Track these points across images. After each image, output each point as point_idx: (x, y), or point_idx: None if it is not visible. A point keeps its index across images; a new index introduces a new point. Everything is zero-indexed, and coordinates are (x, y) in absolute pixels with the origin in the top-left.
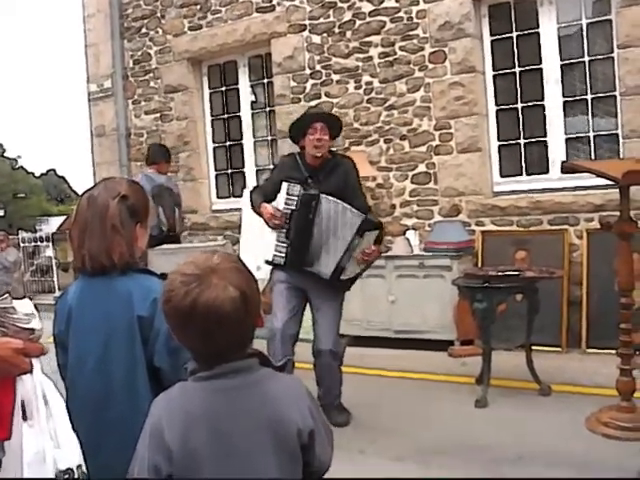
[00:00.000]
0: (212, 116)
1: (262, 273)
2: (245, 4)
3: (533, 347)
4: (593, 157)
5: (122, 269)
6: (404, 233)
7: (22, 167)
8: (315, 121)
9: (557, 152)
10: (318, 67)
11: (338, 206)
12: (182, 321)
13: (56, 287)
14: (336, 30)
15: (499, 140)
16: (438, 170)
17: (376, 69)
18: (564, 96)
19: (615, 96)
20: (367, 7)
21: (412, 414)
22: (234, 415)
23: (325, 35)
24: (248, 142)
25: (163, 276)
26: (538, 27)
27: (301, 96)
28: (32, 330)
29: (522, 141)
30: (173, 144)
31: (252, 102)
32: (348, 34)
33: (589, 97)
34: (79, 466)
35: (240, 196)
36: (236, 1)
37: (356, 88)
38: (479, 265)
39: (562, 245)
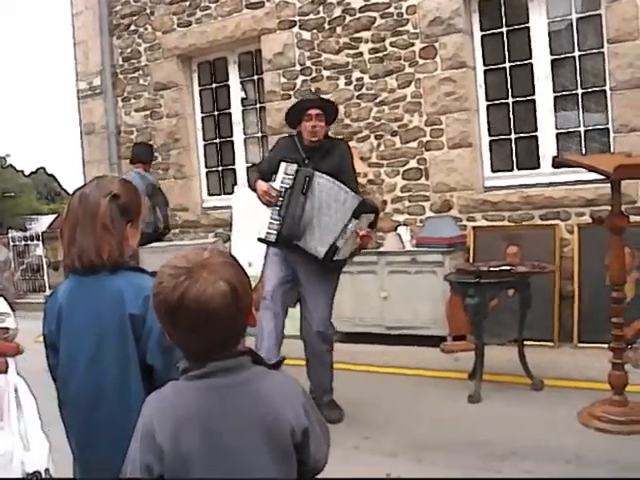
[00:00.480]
0: (202, 113)
1: (254, 270)
2: (235, 1)
3: (525, 342)
4: (584, 152)
5: (112, 268)
6: (395, 229)
7: (11, 165)
8: (310, 108)
9: (548, 147)
10: (308, 63)
11: (333, 185)
12: (171, 315)
13: (46, 286)
14: (326, 26)
15: (490, 135)
16: (429, 166)
17: (366, 65)
18: (555, 91)
19: (605, 91)
20: (357, 3)
21: (405, 410)
22: (226, 414)
23: (315, 31)
24: (239, 139)
25: (155, 274)
26: (528, 22)
27: (291, 92)
28: (6, 329)
29: (513, 136)
30: (163, 141)
31: (242, 99)
32: (338, 30)
33: (579, 92)
34: (47, 470)
35: (231, 193)
36: None
37: (346, 84)
38: (471, 260)
39: (553, 240)
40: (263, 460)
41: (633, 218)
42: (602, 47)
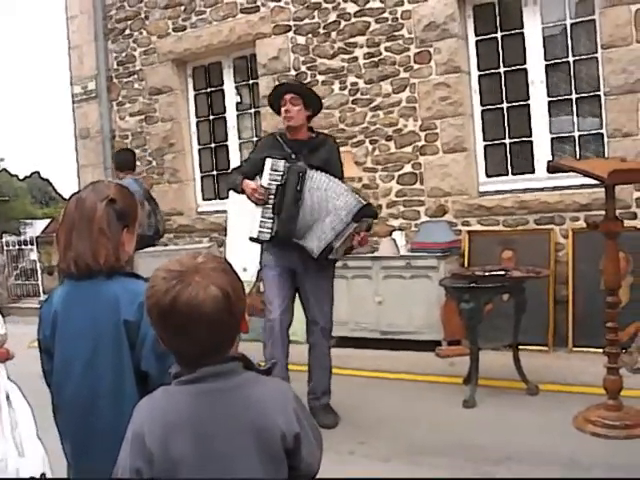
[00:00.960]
0: (197, 117)
1: (248, 275)
2: (230, 5)
3: (520, 346)
4: (578, 156)
5: (108, 273)
6: (390, 234)
7: (5, 170)
8: (284, 93)
9: (542, 152)
10: (303, 68)
11: (332, 184)
12: (162, 318)
13: (41, 291)
14: (321, 31)
15: (485, 140)
16: (424, 170)
17: (361, 70)
18: (549, 96)
19: (599, 96)
20: (352, 8)
21: (400, 415)
22: (216, 419)
23: (310, 36)
24: (233, 143)
25: None
26: (523, 27)
27: None
28: None
29: (507, 141)
30: (158, 146)
31: (237, 103)
32: (333, 35)
33: (574, 97)
34: (43, 474)
35: (226, 198)
36: (221, 2)
37: (341, 89)
38: (466, 265)
39: (548, 244)
40: (253, 465)
41: (627, 223)
42: (596, 52)
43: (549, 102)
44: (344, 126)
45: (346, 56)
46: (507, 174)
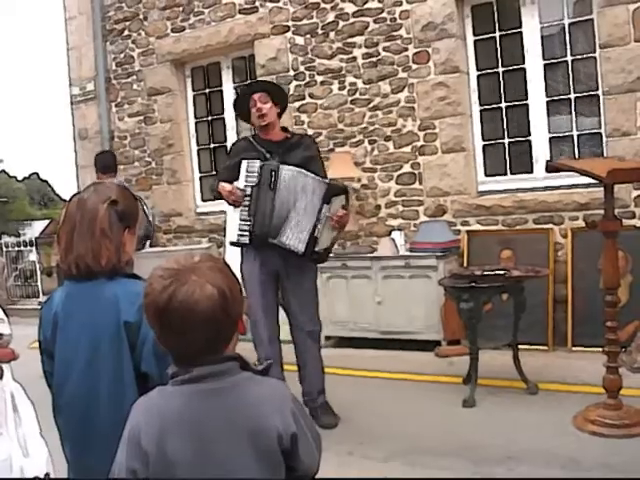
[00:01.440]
0: (196, 118)
1: None
2: (228, 6)
3: (520, 346)
4: (577, 156)
5: (109, 274)
6: (390, 234)
7: (4, 171)
8: (251, 93)
9: (541, 151)
10: (302, 68)
11: (299, 174)
12: (159, 316)
13: (40, 292)
14: (319, 31)
15: (483, 140)
16: (423, 170)
17: (360, 70)
18: (547, 95)
19: (598, 95)
20: (350, 8)
21: (400, 415)
22: (211, 419)
23: (308, 36)
24: None
25: None
26: (521, 27)
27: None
28: (1, 335)
29: (506, 140)
30: (157, 147)
31: None
32: (331, 35)
33: (572, 96)
34: (47, 474)
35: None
36: (219, 3)
37: (340, 89)
38: (465, 265)
39: (547, 244)
40: (249, 465)
41: (626, 222)
42: (594, 52)
43: (547, 102)
44: (343, 126)
45: (345, 56)
46: (506, 174)
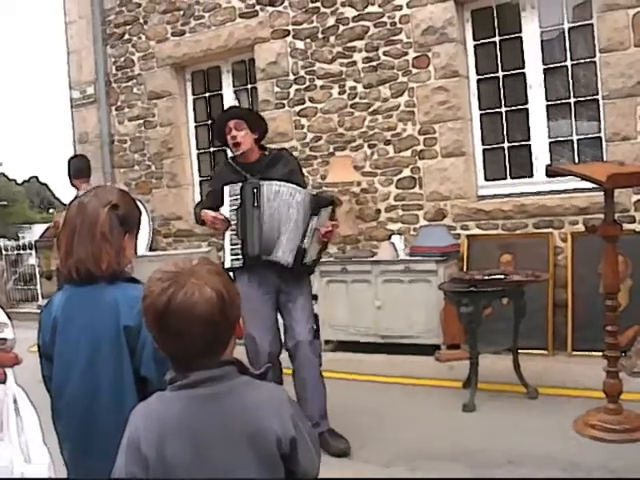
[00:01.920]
0: (196, 122)
1: None
2: (228, 10)
3: (520, 350)
4: (577, 160)
5: (109, 278)
6: (389, 238)
7: (4, 174)
8: (226, 121)
9: (541, 156)
10: (302, 72)
11: (282, 187)
12: (157, 319)
13: (39, 295)
14: (320, 35)
15: (483, 144)
16: (423, 175)
17: (360, 74)
18: (547, 100)
19: (597, 100)
20: (350, 12)
21: (400, 419)
22: (210, 424)
23: (309, 40)
24: None
25: None
26: (521, 32)
27: (285, 101)
28: (4, 340)
29: (506, 145)
30: (157, 150)
31: None
32: (332, 39)
33: (572, 101)
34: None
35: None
36: (219, 7)
37: (340, 93)
38: (465, 269)
39: (547, 248)
40: (247, 469)
41: (626, 226)
42: (594, 56)
43: (547, 106)
44: (343, 130)
45: (345, 60)
46: (506, 178)
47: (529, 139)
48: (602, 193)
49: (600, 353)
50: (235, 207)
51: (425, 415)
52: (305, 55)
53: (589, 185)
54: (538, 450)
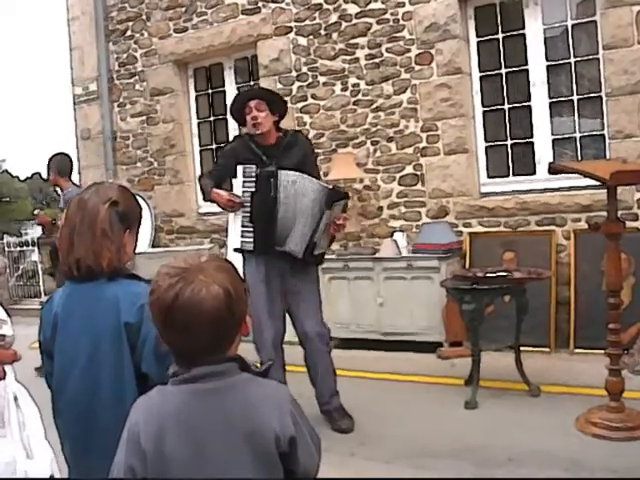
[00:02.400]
0: (198, 119)
1: None
2: (231, 6)
3: (522, 348)
4: (579, 158)
5: (110, 275)
6: (392, 235)
7: (6, 171)
8: (248, 100)
9: (544, 153)
10: (304, 69)
11: (300, 179)
12: (164, 314)
13: (42, 292)
14: (322, 32)
15: (486, 141)
16: (425, 172)
17: (363, 71)
18: (550, 97)
19: (601, 97)
20: (353, 9)
21: (401, 416)
22: (209, 419)
23: (311, 37)
24: None
25: (151, 282)
26: (524, 28)
27: (288, 98)
28: (3, 336)
29: (509, 142)
30: (159, 147)
31: None
32: (334, 36)
33: (575, 98)
34: (51, 476)
35: None
36: (222, 3)
37: (343, 90)
38: (467, 266)
39: (549, 246)
40: (244, 466)
41: (629, 224)
42: (597, 53)
43: (550, 103)
44: (345, 127)
45: (347, 57)
46: (508, 175)
47: (532, 136)
48: (605, 191)
49: (602, 351)
50: (250, 190)
51: (427, 412)
52: (308, 52)
53: (592, 183)
54: (540, 448)
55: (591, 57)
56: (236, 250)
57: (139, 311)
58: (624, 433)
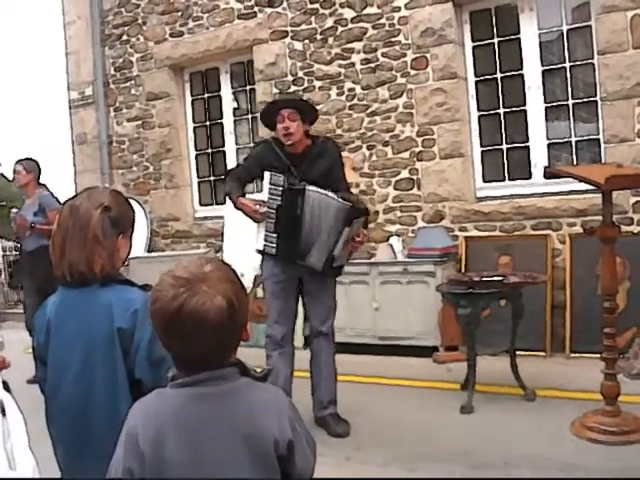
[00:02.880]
0: (194, 123)
1: (245, 280)
2: (227, 11)
3: (517, 352)
4: (575, 162)
5: (103, 280)
6: (387, 239)
7: (2, 174)
8: (281, 108)
9: (539, 157)
10: (300, 74)
11: (324, 197)
12: (166, 323)
13: None
14: (318, 37)
15: (482, 146)
16: (421, 176)
17: (358, 75)
18: (545, 101)
19: (596, 101)
20: (349, 14)
21: (397, 420)
22: (208, 423)
23: (307, 42)
24: (230, 149)
25: (146, 287)
26: (519, 33)
27: None
28: None
29: (504, 146)
30: (155, 151)
31: (234, 109)
32: (330, 40)
33: (570, 102)
34: None
35: (223, 203)
36: (218, 8)
37: (338, 94)
38: (463, 271)
39: (545, 250)
40: (242, 470)
41: (624, 228)
42: (592, 58)
43: (546, 108)
44: (341, 132)
45: (343, 62)
46: (504, 180)
47: (527, 141)
48: (600, 195)
49: (598, 355)
50: (275, 199)
51: (422, 417)
52: (304, 56)
53: (587, 187)
54: (535, 452)
55: (586, 62)
56: (258, 251)
57: (132, 317)
58: (620, 437)
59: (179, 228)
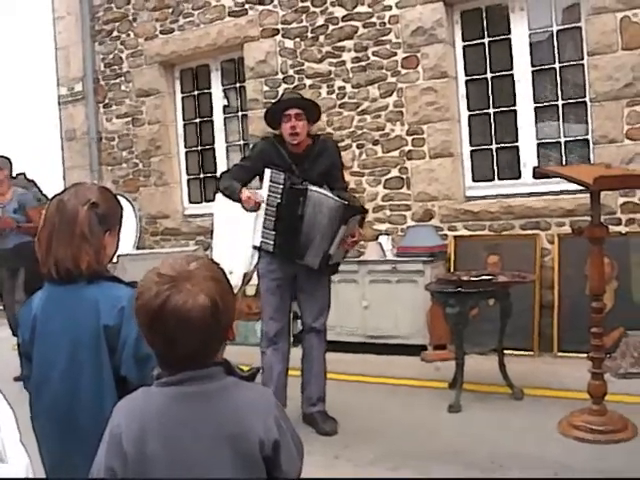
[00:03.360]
0: (184, 120)
1: (234, 278)
2: (217, 8)
3: (505, 351)
4: (564, 162)
5: (89, 277)
6: (377, 238)
7: None
8: (289, 107)
9: (528, 157)
10: (291, 72)
11: (321, 196)
12: (149, 320)
13: None
14: (309, 35)
15: (471, 145)
16: (411, 175)
17: (349, 74)
18: (535, 102)
19: (585, 102)
20: (340, 12)
21: (385, 419)
22: (191, 422)
23: (298, 40)
24: (220, 147)
25: (133, 284)
26: (509, 33)
27: (274, 100)
28: None
29: (494, 146)
30: (145, 148)
31: (224, 106)
32: (321, 39)
33: (560, 103)
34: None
35: (212, 201)
36: (208, 5)
37: (329, 93)
38: (451, 270)
39: (534, 250)
40: (224, 470)
41: (612, 228)
42: (582, 59)
43: (535, 108)
44: (331, 130)
45: (334, 60)
46: (493, 179)
47: (517, 140)
48: (589, 195)
49: (585, 354)
50: (275, 197)
51: (410, 415)
52: (294, 54)
53: (576, 187)
54: (523, 451)
55: (576, 63)
56: (255, 248)
57: (119, 314)
58: (606, 436)
59: (168, 225)
